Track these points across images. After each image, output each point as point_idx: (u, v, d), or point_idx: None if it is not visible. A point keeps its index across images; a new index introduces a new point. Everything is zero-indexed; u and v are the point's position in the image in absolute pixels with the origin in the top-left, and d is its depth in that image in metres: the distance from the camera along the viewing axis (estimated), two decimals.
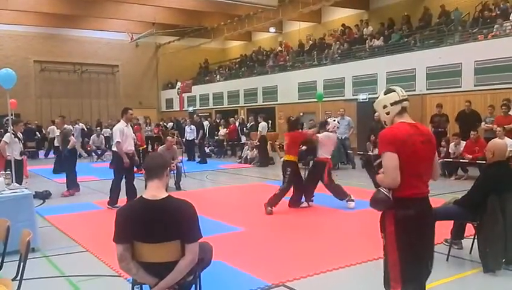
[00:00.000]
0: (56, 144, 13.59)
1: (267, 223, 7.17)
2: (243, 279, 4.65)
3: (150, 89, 31.58)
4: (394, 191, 3.04)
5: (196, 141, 17.62)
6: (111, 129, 20.95)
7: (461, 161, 11.02)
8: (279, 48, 25.60)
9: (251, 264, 5.09)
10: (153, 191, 3.05)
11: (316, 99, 15.83)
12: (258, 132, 16.06)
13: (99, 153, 18.51)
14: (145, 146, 15.71)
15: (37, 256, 5.48)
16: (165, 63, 31.43)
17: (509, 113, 11.24)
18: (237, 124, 19.68)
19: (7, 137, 8.64)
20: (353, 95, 17.99)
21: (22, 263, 3.28)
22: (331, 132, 8.23)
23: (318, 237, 6.32)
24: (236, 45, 32.00)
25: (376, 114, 14.87)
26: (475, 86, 13.92)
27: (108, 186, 8.61)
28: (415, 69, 15.72)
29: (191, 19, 25.81)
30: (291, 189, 8.06)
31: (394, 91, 3.24)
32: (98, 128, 21.61)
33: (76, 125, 20.34)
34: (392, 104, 3.20)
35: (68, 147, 10.35)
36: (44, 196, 9.66)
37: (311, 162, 9.10)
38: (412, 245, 3.03)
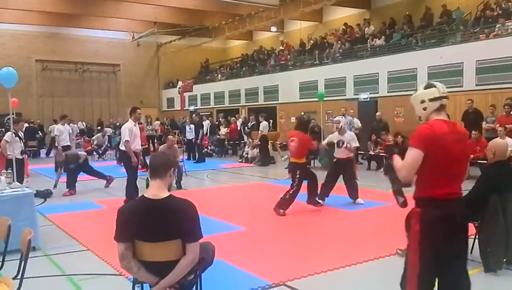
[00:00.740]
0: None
1: (268, 223, 7.17)
2: (244, 278, 4.65)
3: (151, 88, 31.59)
4: (424, 190, 2.92)
5: (194, 141, 17.60)
6: (112, 128, 21.17)
7: None
8: (281, 47, 25.62)
9: (252, 263, 5.09)
10: (154, 190, 3.06)
11: (317, 99, 15.82)
12: (259, 131, 16.07)
13: (100, 152, 18.51)
14: (146, 145, 15.70)
15: (38, 255, 5.48)
16: (166, 62, 31.40)
17: None
18: (239, 123, 19.66)
19: (8, 136, 8.65)
20: (354, 95, 17.98)
21: (23, 262, 3.29)
22: (342, 129, 8.38)
23: (319, 236, 6.31)
24: (238, 44, 31.98)
25: (378, 114, 15.01)
26: (476, 85, 13.89)
27: None
28: (416, 68, 15.68)
29: (193, 18, 25.80)
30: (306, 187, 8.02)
31: (435, 86, 3.07)
32: (99, 127, 21.60)
33: (74, 126, 20.28)
34: (430, 100, 3.05)
35: (80, 161, 10.41)
36: (45, 194, 9.65)
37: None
38: (435, 247, 2.87)
